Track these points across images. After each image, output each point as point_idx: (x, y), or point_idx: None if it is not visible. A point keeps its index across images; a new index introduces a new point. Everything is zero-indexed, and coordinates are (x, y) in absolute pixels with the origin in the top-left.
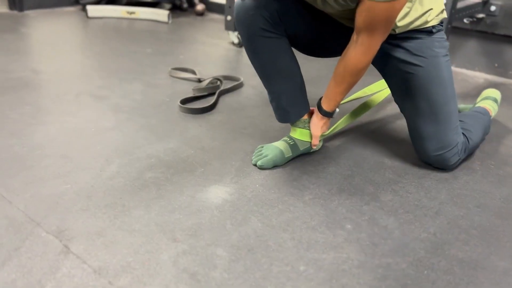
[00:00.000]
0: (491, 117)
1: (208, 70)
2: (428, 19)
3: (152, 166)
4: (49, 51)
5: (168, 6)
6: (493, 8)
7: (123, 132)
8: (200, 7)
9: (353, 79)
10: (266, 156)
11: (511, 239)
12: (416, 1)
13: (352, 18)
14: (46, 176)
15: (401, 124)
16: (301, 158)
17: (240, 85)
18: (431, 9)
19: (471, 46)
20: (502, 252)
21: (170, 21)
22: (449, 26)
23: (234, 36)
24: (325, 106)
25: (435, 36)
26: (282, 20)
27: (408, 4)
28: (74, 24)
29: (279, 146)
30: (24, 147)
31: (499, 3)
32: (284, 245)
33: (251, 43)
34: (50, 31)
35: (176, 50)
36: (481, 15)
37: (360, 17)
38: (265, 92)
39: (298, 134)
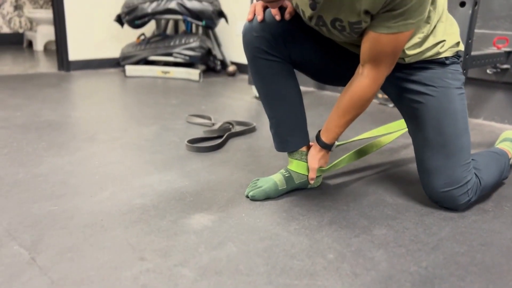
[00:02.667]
0: (511, 159)
1: (225, 118)
2: (441, 50)
3: (143, 194)
4: (81, 101)
5: (202, 67)
6: None
7: (125, 165)
8: (231, 68)
9: (357, 112)
10: (259, 187)
11: None
12: (430, 32)
13: (360, 45)
14: (38, 199)
15: (411, 167)
16: (297, 192)
17: (252, 130)
18: (444, 40)
19: (499, 98)
20: None
21: (201, 80)
22: (464, 71)
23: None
24: (324, 138)
25: (448, 68)
26: (286, 45)
27: (419, 35)
28: (111, 82)
29: (274, 178)
30: (28, 174)
31: None
32: (255, 270)
33: (254, 63)
34: (88, 87)
35: (200, 102)
36: (505, 66)
37: (365, 49)
38: None
39: (295, 166)
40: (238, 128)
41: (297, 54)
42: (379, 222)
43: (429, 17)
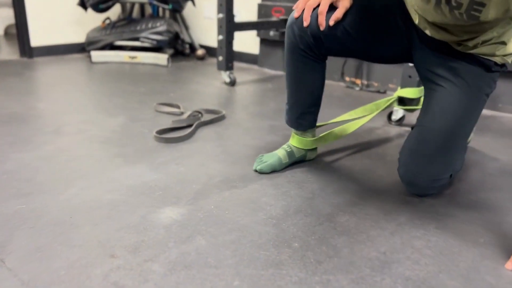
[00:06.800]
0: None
1: (194, 105)
2: (497, 53)
3: (112, 189)
4: (47, 91)
5: (171, 51)
6: None
7: (93, 159)
8: (200, 51)
9: None
10: (265, 162)
11: (466, 259)
12: (503, 34)
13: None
14: (5, 198)
15: (373, 153)
16: (263, 181)
17: (221, 118)
18: (505, 44)
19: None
20: (453, 271)
21: (169, 65)
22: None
23: (226, 76)
24: None
25: (490, 74)
26: (325, 46)
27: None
28: (77, 69)
29: (278, 153)
30: None
31: None
32: (224, 262)
33: (290, 54)
34: (53, 74)
35: (169, 89)
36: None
37: None
38: (244, 124)
39: (296, 141)
40: (207, 117)
41: (335, 52)
42: (342, 209)
43: None
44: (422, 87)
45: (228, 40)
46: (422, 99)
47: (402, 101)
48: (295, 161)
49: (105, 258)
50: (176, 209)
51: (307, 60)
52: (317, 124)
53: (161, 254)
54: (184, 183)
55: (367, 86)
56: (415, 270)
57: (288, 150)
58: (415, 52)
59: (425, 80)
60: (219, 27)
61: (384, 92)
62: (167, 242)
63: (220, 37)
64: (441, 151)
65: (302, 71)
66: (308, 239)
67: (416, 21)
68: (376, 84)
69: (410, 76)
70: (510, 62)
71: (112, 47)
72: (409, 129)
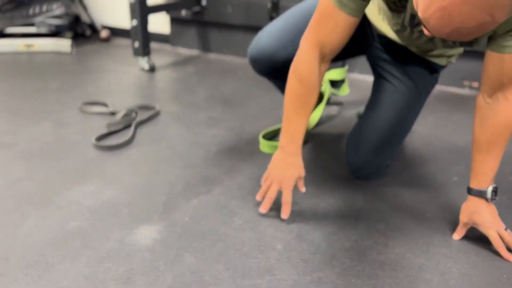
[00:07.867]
0: None
1: (121, 101)
2: (445, 54)
3: (73, 214)
4: None
5: (70, 34)
6: None
7: (36, 181)
8: (104, 33)
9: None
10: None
11: (422, 235)
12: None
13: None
14: None
15: (312, 137)
16: (226, 183)
17: (156, 114)
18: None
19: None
20: (416, 249)
21: (73, 51)
22: None
23: (144, 62)
24: (476, 184)
25: (435, 75)
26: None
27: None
28: None
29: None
30: None
31: None
32: (220, 277)
33: (262, 75)
34: None
35: (84, 82)
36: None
37: (495, 75)
38: (182, 118)
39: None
40: (142, 114)
41: None
42: (306, 202)
43: None
44: (347, 67)
45: (143, 25)
46: (346, 80)
47: (331, 83)
48: None
49: None
50: (151, 227)
51: (273, 81)
52: (271, 128)
53: (156, 280)
54: (148, 196)
55: None
56: (387, 253)
57: None
58: (370, 48)
59: (376, 74)
60: (132, 11)
61: None
62: (157, 265)
63: (134, 22)
64: (386, 144)
65: (275, 84)
66: (288, 239)
67: (381, 30)
68: None
69: None
70: (454, 62)
71: (0, 35)
72: (337, 108)
